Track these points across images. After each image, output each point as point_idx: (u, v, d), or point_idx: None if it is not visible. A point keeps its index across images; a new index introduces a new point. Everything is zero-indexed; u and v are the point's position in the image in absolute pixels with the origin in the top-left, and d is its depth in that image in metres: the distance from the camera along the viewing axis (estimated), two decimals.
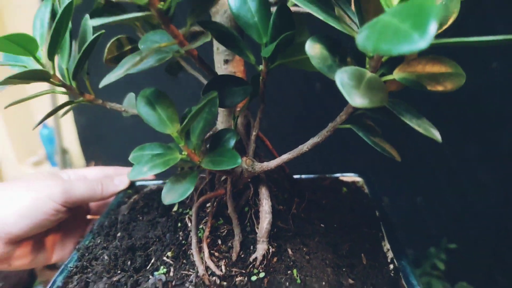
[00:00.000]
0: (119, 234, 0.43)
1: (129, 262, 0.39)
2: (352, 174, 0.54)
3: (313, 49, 0.24)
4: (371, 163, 0.77)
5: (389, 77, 0.26)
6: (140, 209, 0.46)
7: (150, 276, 0.37)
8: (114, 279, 0.37)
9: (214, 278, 0.35)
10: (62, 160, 1.66)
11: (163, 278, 0.36)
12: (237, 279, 0.35)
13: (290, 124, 0.79)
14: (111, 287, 0.36)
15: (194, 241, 0.36)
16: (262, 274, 0.35)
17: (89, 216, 0.58)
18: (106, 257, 0.39)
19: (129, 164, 0.35)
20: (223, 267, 0.36)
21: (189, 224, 0.41)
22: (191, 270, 0.36)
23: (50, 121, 1.73)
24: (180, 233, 0.41)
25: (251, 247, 0.37)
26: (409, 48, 0.16)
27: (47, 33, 0.33)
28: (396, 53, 0.16)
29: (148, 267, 0.38)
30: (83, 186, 0.48)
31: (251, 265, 0.35)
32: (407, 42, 0.16)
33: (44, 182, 0.46)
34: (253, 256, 0.35)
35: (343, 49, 0.25)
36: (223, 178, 0.40)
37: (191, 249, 0.38)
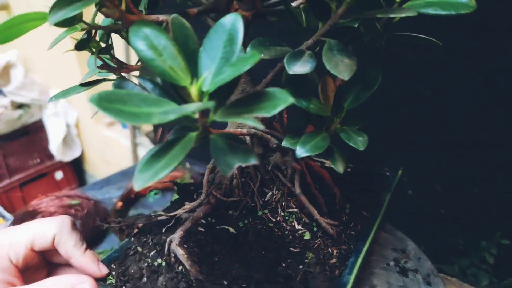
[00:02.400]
0: (216, 258, 0.40)
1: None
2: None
3: None
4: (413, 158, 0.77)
5: None
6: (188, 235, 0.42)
7: (300, 267, 0.40)
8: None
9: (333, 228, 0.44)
10: None
11: (314, 260, 0.41)
12: (343, 219, 0.46)
13: None
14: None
15: (314, 211, 0.42)
16: (348, 205, 0.48)
17: None
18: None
19: None
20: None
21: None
22: (316, 241, 0.43)
23: None
24: (281, 221, 0.44)
25: None
26: None
27: None
28: None
29: (285, 264, 0.40)
30: None
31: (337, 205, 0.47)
32: None
33: None
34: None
35: None
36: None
37: (298, 231, 0.44)
